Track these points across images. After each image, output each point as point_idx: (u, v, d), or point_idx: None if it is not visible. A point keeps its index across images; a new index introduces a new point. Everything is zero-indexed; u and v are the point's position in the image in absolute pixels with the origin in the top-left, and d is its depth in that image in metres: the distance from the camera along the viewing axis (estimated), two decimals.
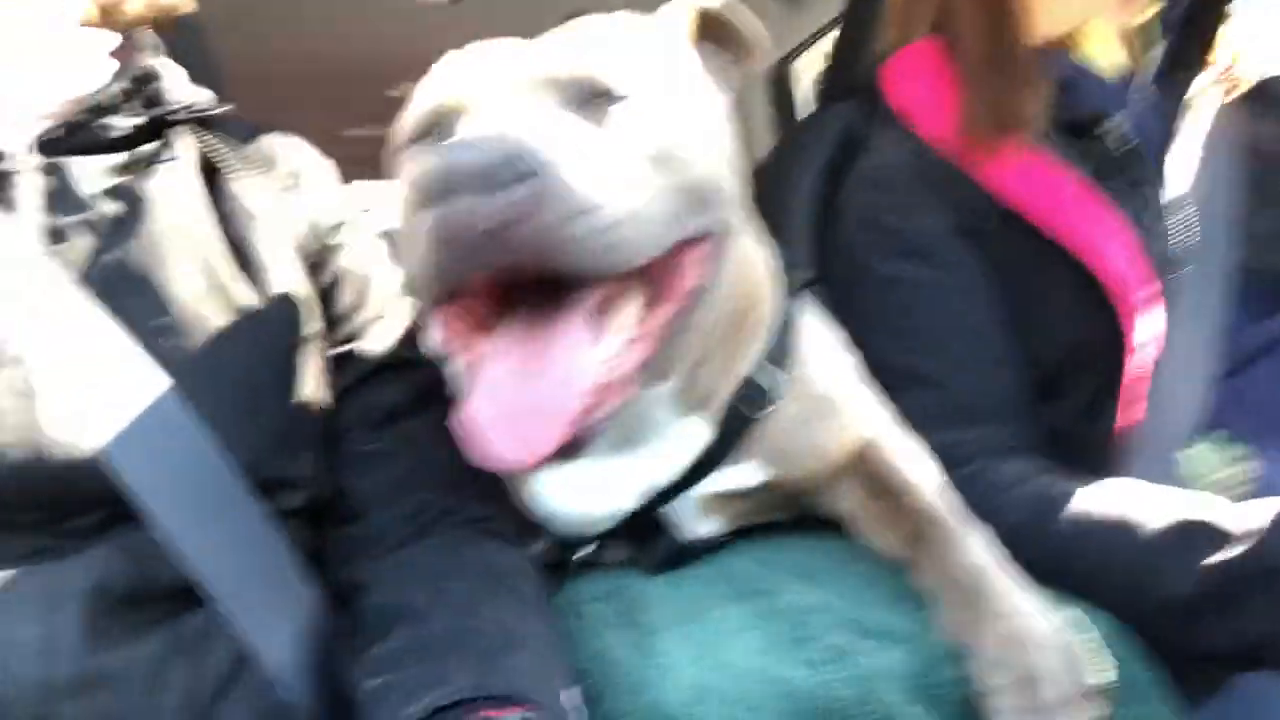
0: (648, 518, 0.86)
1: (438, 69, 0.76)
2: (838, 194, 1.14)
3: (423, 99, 0.73)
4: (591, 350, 0.63)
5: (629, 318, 0.67)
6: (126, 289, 0.72)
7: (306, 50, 2.70)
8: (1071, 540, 0.81)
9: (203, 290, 0.75)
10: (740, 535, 0.92)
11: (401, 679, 0.63)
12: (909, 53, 1.10)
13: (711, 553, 0.89)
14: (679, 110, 0.71)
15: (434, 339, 0.73)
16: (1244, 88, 1.06)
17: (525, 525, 0.87)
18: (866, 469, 0.88)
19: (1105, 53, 1.04)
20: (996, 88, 1.00)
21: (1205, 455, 0.89)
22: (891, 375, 0.99)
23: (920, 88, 1.07)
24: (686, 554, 0.88)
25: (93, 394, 0.68)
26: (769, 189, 1.13)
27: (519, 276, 0.60)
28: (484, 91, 0.69)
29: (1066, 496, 0.84)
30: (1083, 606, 0.75)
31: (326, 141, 0.95)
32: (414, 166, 0.65)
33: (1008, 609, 0.71)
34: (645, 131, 0.67)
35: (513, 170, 0.55)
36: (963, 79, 1.03)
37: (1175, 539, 0.74)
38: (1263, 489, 0.85)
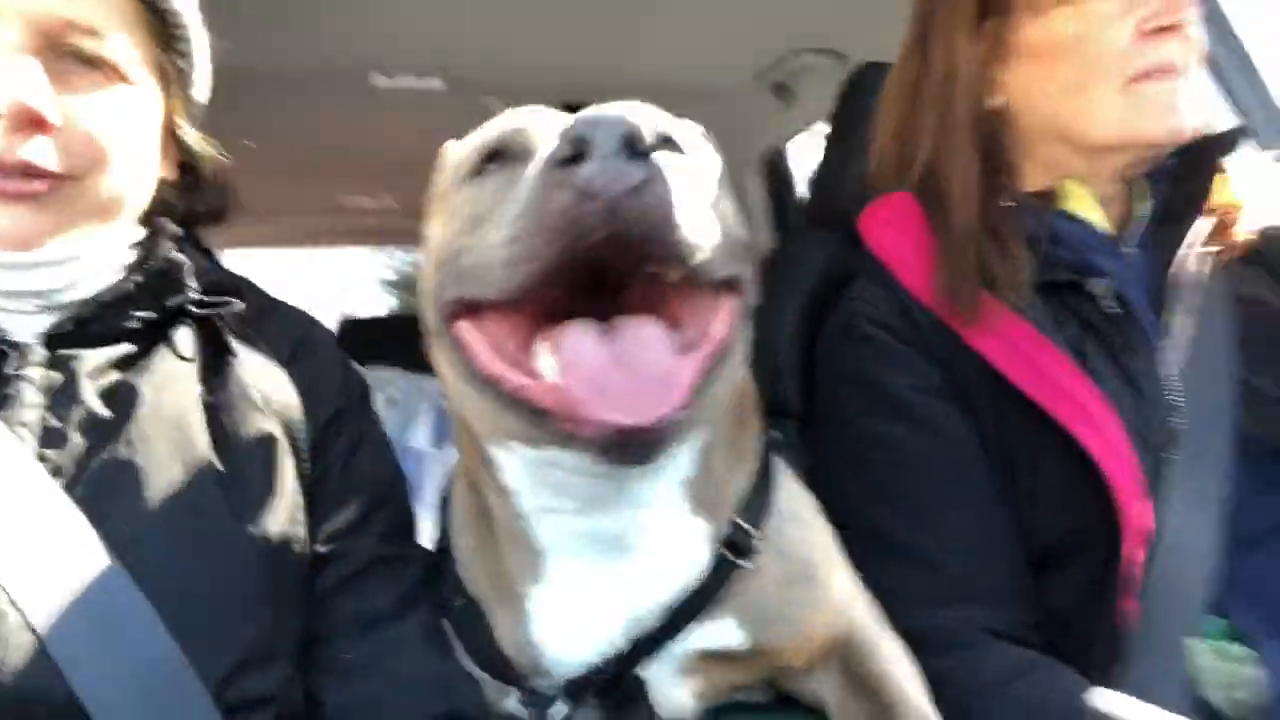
0: (628, 677, 0.82)
1: (494, 121, 0.80)
2: (819, 338, 1.11)
3: (484, 133, 0.78)
4: (670, 348, 0.66)
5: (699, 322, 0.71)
6: (108, 494, 0.72)
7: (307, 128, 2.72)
8: None
9: (183, 493, 0.74)
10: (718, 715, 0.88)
11: None
12: (891, 203, 1.07)
13: None
14: (712, 173, 0.76)
15: (474, 353, 0.73)
16: (1239, 244, 1.01)
17: (504, 675, 0.84)
18: (849, 661, 0.85)
19: (1091, 209, 1.01)
20: (982, 250, 0.97)
21: (1205, 654, 0.84)
22: (878, 543, 0.95)
23: (903, 241, 1.04)
24: None
25: (58, 613, 0.67)
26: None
27: (597, 275, 0.63)
28: (552, 125, 0.72)
29: (1067, 712, 0.79)
30: None
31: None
32: (479, 190, 0.73)
33: None
34: (699, 183, 0.69)
35: (645, 144, 0.60)
36: (945, 239, 1.00)
37: None
38: (1271, 692, 0.80)
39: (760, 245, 0.76)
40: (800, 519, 0.87)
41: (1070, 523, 0.92)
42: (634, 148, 0.60)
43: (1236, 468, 0.91)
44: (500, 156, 0.75)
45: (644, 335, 0.66)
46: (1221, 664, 0.85)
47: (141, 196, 0.84)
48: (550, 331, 0.67)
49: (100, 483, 0.72)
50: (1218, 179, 0.99)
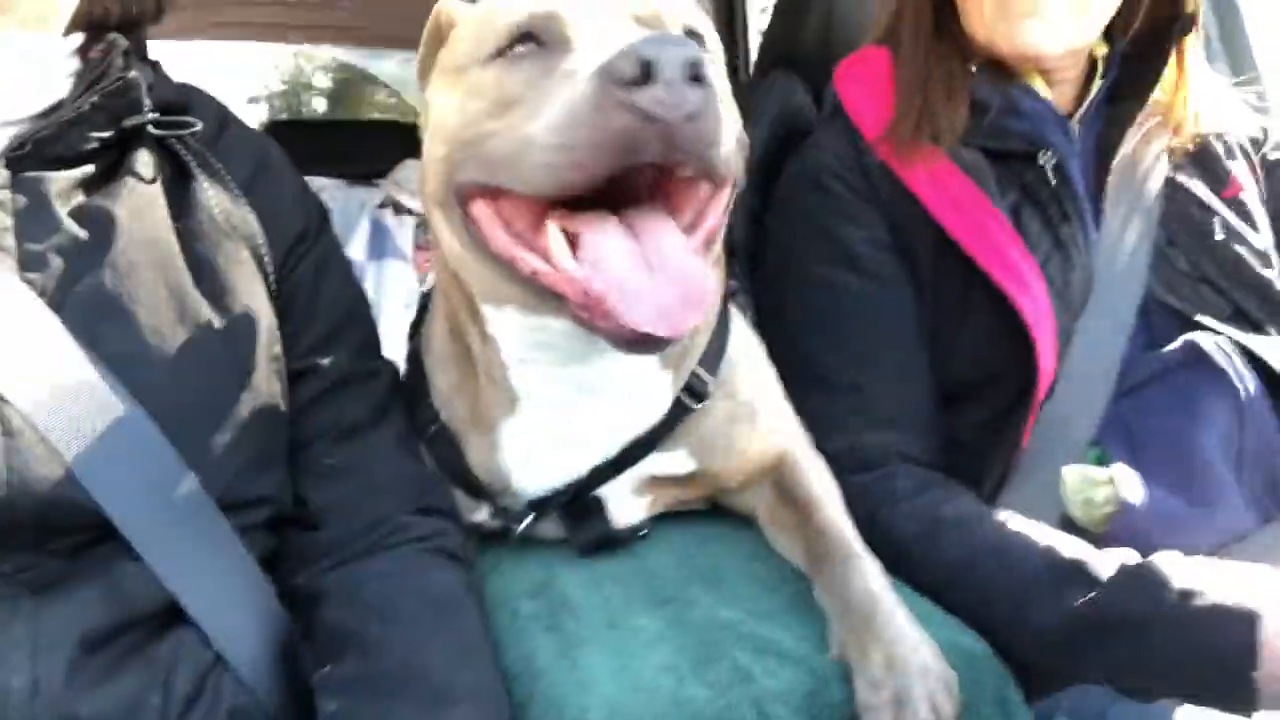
0: (587, 495, 0.93)
1: None
2: (775, 183, 1.16)
3: (505, 8, 0.76)
4: (691, 249, 0.71)
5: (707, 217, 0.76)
6: (98, 316, 0.74)
7: None
8: (955, 567, 0.90)
9: (171, 316, 0.77)
10: (662, 520, 1.00)
11: (354, 711, 0.71)
12: (864, 56, 1.11)
13: (635, 543, 0.96)
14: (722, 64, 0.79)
15: (488, 234, 0.75)
16: (1185, 136, 1.09)
17: (475, 491, 0.94)
18: (779, 477, 0.96)
19: (1044, 87, 1.07)
20: (930, 99, 1.03)
21: (1077, 475, 0.97)
22: (814, 374, 1.06)
23: (869, 92, 1.09)
24: (613, 541, 0.95)
25: (69, 426, 0.70)
26: None
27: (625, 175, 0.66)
28: (583, 14, 0.73)
29: (956, 521, 0.93)
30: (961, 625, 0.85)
31: None
32: (508, 73, 0.72)
33: (893, 634, 0.79)
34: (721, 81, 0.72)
35: (705, 71, 0.62)
36: (896, 84, 1.06)
37: (1047, 578, 0.84)
38: (1128, 513, 0.95)
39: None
40: (748, 362, 0.97)
41: (987, 366, 1.04)
42: (695, 73, 0.61)
43: (1136, 325, 1.03)
44: (530, 39, 0.74)
45: (667, 238, 0.69)
46: (1085, 482, 1.00)
47: None
48: (564, 216, 0.69)
49: (88, 307, 0.73)
50: (1170, 68, 1.06)
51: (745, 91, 1.37)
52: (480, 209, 0.75)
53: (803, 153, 1.14)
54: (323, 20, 2.92)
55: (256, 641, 0.76)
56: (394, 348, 1.02)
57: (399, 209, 2.34)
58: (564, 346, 0.82)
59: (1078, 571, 0.83)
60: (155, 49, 0.93)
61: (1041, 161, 1.05)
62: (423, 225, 2.31)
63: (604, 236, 0.69)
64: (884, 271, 1.06)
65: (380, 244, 2.33)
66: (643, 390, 0.89)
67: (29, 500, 0.68)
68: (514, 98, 0.72)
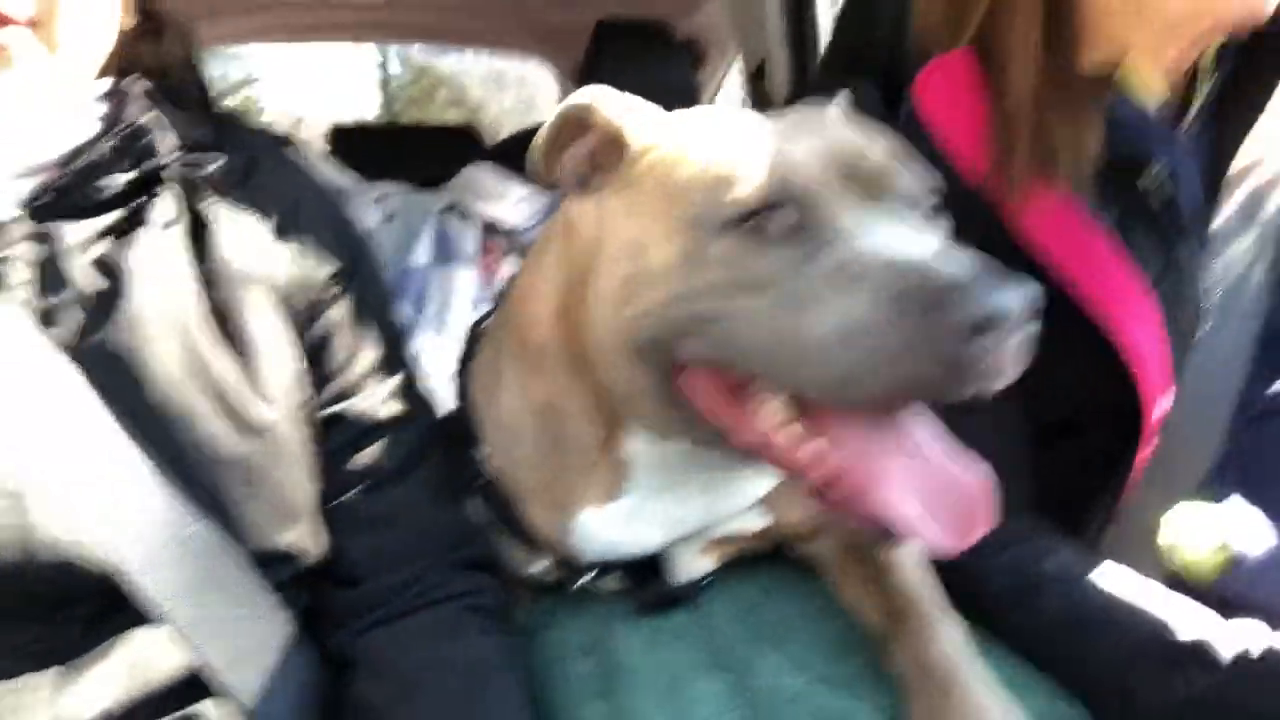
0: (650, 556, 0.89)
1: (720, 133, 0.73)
2: None
3: (747, 170, 0.67)
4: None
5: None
6: (111, 373, 0.72)
7: None
8: (1055, 628, 0.82)
9: (183, 369, 0.74)
10: (722, 566, 0.94)
11: None
12: (946, 65, 1.00)
13: (695, 597, 0.90)
14: None
15: (703, 403, 0.73)
16: None
17: (533, 544, 0.90)
18: (851, 530, 0.88)
19: (1150, 91, 0.95)
20: (1045, 123, 0.91)
21: (1183, 519, 0.88)
22: None
23: (956, 108, 0.98)
24: (675, 597, 0.90)
25: (85, 488, 0.69)
26: None
27: None
28: (832, 187, 0.67)
29: (1056, 577, 0.84)
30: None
31: None
32: (760, 251, 0.65)
33: (976, 706, 0.72)
34: None
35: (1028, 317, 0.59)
36: (1003, 109, 0.94)
37: (1157, 652, 0.75)
38: (1242, 562, 0.85)
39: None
40: None
41: (1089, 400, 0.94)
42: (1026, 319, 0.58)
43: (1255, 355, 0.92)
44: (779, 208, 0.65)
45: (937, 447, 0.67)
46: (1192, 526, 0.90)
47: (103, 45, 0.80)
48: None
49: (100, 362, 0.72)
50: None
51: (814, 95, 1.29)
52: (700, 379, 0.71)
53: None
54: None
55: (289, 707, 0.74)
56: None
57: (464, 214, 2.32)
58: (703, 460, 0.80)
59: (1193, 651, 0.74)
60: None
61: (1145, 180, 0.94)
62: (488, 230, 2.29)
63: (868, 434, 0.66)
64: None
65: (445, 249, 2.31)
66: (746, 487, 0.86)
67: (43, 566, 0.66)
68: (767, 281, 0.65)
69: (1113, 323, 0.90)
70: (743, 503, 0.86)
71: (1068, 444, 0.97)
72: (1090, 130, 0.91)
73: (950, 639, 0.77)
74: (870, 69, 1.11)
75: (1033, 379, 0.94)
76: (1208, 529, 0.87)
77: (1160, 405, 0.90)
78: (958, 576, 0.85)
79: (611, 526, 0.86)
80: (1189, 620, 0.77)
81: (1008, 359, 0.58)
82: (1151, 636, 0.77)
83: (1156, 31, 0.92)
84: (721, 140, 0.72)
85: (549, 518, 0.88)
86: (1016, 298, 0.57)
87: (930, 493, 0.64)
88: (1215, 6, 0.88)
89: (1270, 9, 0.87)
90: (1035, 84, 0.92)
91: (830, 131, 0.72)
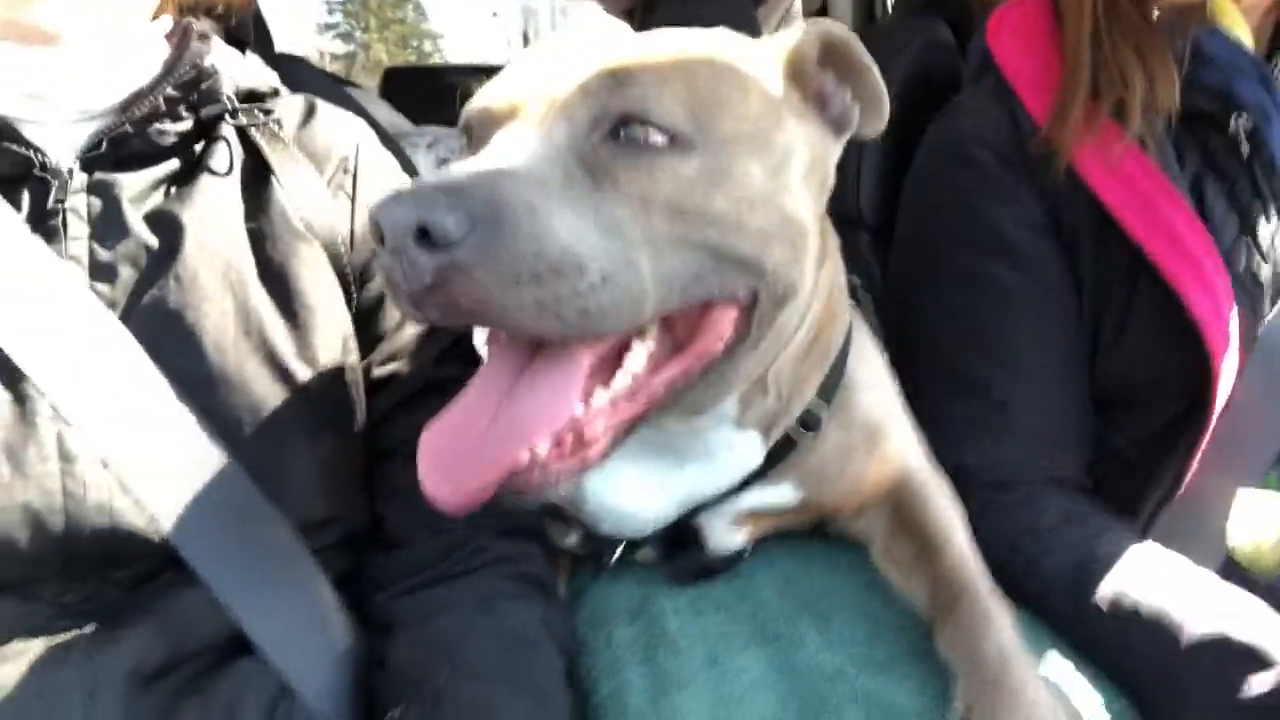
0: (683, 525, 0.87)
1: (509, 67, 0.71)
2: (915, 148, 1.01)
3: (481, 97, 0.68)
4: (567, 397, 0.61)
5: (636, 365, 0.64)
6: (163, 331, 0.71)
7: None
8: (1106, 617, 0.79)
9: (237, 328, 0.73)
10: (764, 538, 0.92)
11: None
12: (1024, 6, 0.93)
13: (735, 568, 0.89)
14: (739, 163, 0.64)
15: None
16: None
17: (564, 517, 0.88)
18: (897, 503, 0.87)
19: (1240, 27, 0.87)
20: (1111, 64, 0.85)
21: (1249, 504, 0.84)
22: (949, 376, 0.94)
23: (1030, 51, 0.91)
24: (712, 569, 0.89)
25: (136, 454, 0.69)
26: None
27: None
28: (526, 104, 0.64)
29: (1108, 564, 0.81)
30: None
31: None
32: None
33: (1027, 701, 0.71)
34: (682, 182, 0.61)
35: (455, 227, 0.52)
36: (1071, 45, 0.87)
37: (1212, 649, 0.72)
38: None
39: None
40: (868, 384, 0.86)
41: (1154, 372, 0.90)
42: (445, 231, 0.52)
43: None
44: (473, 137, 0.67)
45: (536, 388, 0.61)
46: (1258, 512, 0.86)
47: None
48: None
49: (152, 320, 0.71)
50: None
51: (883, 34, 1.21)
52: None
53: (946, 116, 0.98)
54: None
55: (328, 671, 0.74)
56: None
57: None
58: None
59: (1250, 653, 0.70)
60: None
61: (1234, 126, 0.87)
62: None
63: (473, 384, 0.64)
64: (1040, 261, 0.91)
65: None
66: (726, 454, 0.81)
67: (89, 528, 0.67)
68: None
69: (1180, 287, 0.85)
70: (737, 472, 0.82)
71: (1131, 417, 0.93)
72: (1163, 73, 0.84)
73: (1002, 625, 0.75)
74: (945, 7, 1.02)
75: (1099, 343, 0.90)
76: (1273, 519, 0.84)
77: (1227, 378, 0.85)
78: (1005, 552, 0.83)
79: (614, 491, 0.84)
80: (1246, 617, 0.74)
81: (420, 282, 0.53)
82: (1205, 633, 0.73)
83: None
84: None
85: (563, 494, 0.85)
86: (395, 213, 0.52)
87: (443, 444, 0.61)
88: None
89: None
90: (1093, 18, 0.86)
91: (601, 58, 0.66)
